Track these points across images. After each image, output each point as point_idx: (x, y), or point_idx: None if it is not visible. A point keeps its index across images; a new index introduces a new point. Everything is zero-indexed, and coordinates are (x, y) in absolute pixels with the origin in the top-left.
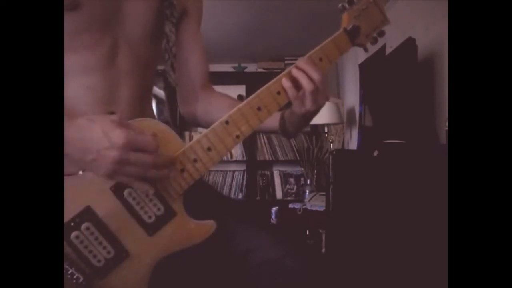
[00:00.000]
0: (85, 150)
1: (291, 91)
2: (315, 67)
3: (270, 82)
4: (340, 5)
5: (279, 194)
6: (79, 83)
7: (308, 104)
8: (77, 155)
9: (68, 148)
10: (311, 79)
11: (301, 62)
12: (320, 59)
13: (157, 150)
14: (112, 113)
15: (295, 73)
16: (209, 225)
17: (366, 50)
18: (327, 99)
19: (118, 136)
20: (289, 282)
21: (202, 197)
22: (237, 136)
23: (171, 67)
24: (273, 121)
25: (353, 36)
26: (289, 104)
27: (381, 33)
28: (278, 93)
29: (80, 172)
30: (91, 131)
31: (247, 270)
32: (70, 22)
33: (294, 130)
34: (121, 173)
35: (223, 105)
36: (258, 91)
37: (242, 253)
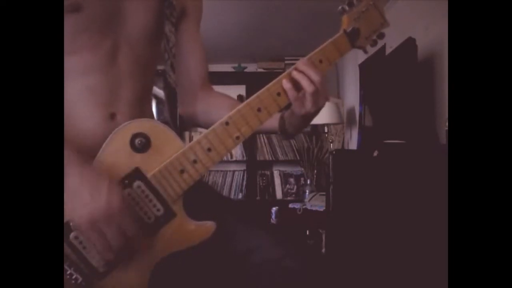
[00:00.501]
0: (69, 198)
1: (291, 93)
2: (315, 69)
3: (270, 84)
4: (340, 7)
5: (279, 194)
6: (80, 84)
7: (308, 105)
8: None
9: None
10: (311, 80)
11: (301, 64)
12: (320, 61)
13: (134, 234)
14: (113, 114)
15: (295, 75)
16: (209, 226)
17: (365, 52)
18: (327, 100)
19: (104, 191)
20: (289, 282)
21: (202, 198)
22: (237, 137)
23: (170, 67)
24: (272, 121)
25: (353, 38)
26: (289, 105)
27: (381, 35)
28: (278, 94)
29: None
30: (79, 177)
31: (247, 270)
32: (71, 23)
33: (294, 131)
34: (88, 233)
35: (222, 105)
36: (258, 92)
37: (242, 253)
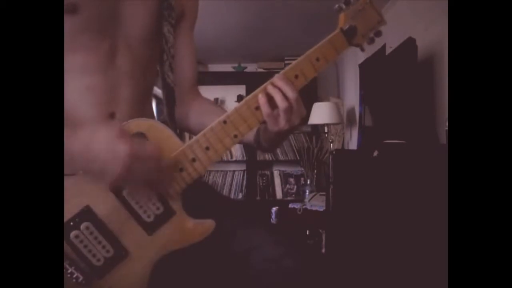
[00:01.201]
0: (90, 162)
1: (265, 108)
2: (291, 85)
3: (266, 83)
4: (336, 5)
5: (279, 194)
6: (79, 84)
7: (282, 123)
8: (83, 167)
9: (73, 161)
10: (286, 97)
11: (277, 79)
12: (317, 59)
13: (159, 156)
14: (112, 113)
15: (270, 90)
16: (208, 224)
17: (362, 50)
18: (301, 118)
19: (121, 149)
20: (289, 281)
21: (202, 197)
22: (235, 136)
23: (169, 68)
24: (249, 134)
25: (350, 36)
26: None
27: (378, 33)
28: (256, 108)
29: (81, 172)
30: (95, 145)
31: (246, 269)
32: (70, 24)
33: (269, 146)
34: (127, 182)
35: (201, 110)
36: (255, 91)
37: (242, 252)
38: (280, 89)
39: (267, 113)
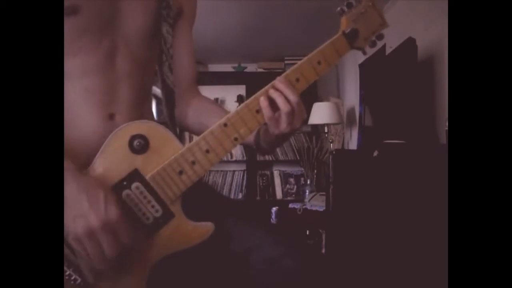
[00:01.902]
0: (67, 206)
1: (266, 111)
2: (292, 88)
3: (268, 86)
4: (338, 8)
5: (279, 194)
6: (79, 86)
7: (283, 126)
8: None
9: None
10: (287, 100)
11: (279, 82)
12: (319, 62)
13: (130, 242)
14: (112, 115)
15: (272, 93)
16: (208, 226)
17: (364, 53)
18: (303, 120)
19: (80, 224)
20: (289, 281)
21: (202, 198)
22: (236, 139)
23: (168, 68)
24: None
25: (352, 39)
26: None
27: (380, 36)
28: (257, 111)
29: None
30: (76, 184)
31: (246, 269)
32: (69, 26)
33: (269, 148)
34: (83, 244)
35: (200, 109)
36: (256, 94)
37: (241, 252)
38: (282, 92)
39: (269, 116)
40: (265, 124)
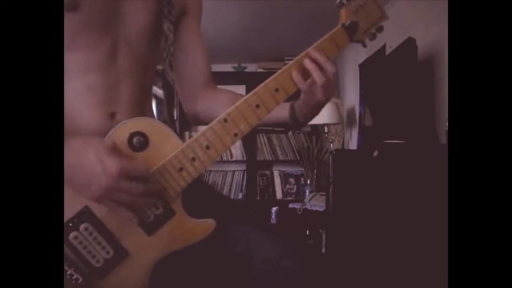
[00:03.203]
0: (77, 173)
1: (302, 85)
2: (328, 60)
3: (268, 80)
4: (338, 1)
5: (279, 194)
6: (80, 83)
7: (319, 96)
8: (68, 177)
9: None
10: (324, 71)
11: (314, 52)
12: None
13: (149, 178)
14: (113, 113)
15: (308, 64)
16: (208, 223)
17: (364, 46)
18: (335, 89)
19: (111, 163)
20: (289, 281)
21: (202, 197)
22: (236, 134)
23: (169, 66)
24: (282, 112)
25: (351, 32)
26: (295, 94)
27: (380, 29)
28: (276, 90)
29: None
30: (84, 156)
31: (246, 269)
32: (70, 22)
33: (304, 120)
34: (110, 199)
35: (223, 100)
36: (256, 89)
37: (241, 252)
38: (318, 64)
39: (305, 89)
40: (297, 99)
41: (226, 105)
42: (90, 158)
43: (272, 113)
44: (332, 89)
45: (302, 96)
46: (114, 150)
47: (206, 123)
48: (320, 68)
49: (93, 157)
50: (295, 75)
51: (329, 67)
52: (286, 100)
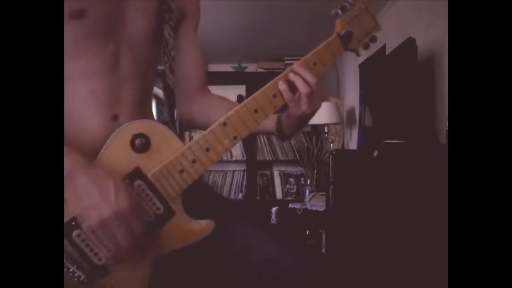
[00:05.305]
0: (79, 197)
1: (286, 94)
2: (310, 71)
3: (266, 85)
4: (333, 11)
5: (279, 194)
6: (84, 87)
7: (304, 106)
8: (71, 200)
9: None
10: (306, 82)
11: (297, 66)
12: (315, 63)
13: (142, 231)
14: (115, 116)
15: (292, 77)
16: (208, 224)
17: (358, 55)
18: (322, 101)
19: (111, 192)
20: (289, 281)
21: (202, 198)
22: (235, 138)
23: (169, 70)
24: (269, 123)
25: (346, 41)
26: (284, 107)
27: (373, 39)
28: (274, 96)
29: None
30: (87, 178)
31: (246, 269)
32: (75, 29)
33: (291, 131)
34: (101, 233)
35: (219, 107)
36: (255, 94)
37: (241, 252)
38: (301, 76)
39: (289, 98)
40: (284, 110)
41: (222, 112)
42: (91, 185)
43: None
44: (317, 100)
45: (289, 107)
46: (120, 189)
47: (199, 127)
48: (303, 79)
49: (94, 184)
50: (281, 84)
51: (310, 78)
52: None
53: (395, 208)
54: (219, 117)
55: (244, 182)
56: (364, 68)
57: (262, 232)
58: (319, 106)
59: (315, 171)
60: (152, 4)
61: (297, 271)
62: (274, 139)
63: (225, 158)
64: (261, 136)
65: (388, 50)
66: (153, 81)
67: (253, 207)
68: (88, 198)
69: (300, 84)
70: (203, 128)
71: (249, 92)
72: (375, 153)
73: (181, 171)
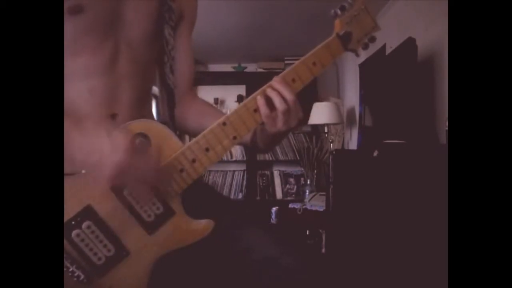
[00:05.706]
0: (89, 153)
1: (263, 110)
2: (289, 88)
3: (265, 86)
4: (332, 11)
5: (279, 194)
6: (82, 86)
7: (279, 124)
8: (82, 158)
9: (72, 150)
10: (284, 99)
11: (275, 82)
12: (314, 64)
13: (159, 155)
14: (114, 114)
15: (269, 92)
16: (207, 223)
17: (357, 55)
18: (299, 120)
19: (122, 141)
20: (289, 281)
21: (201, 197)
22: (234, 137)
23: (170, 70)
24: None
25: (345, 41)
26: None
27: (372, 39)
28: (255, 110)
29: (83, 171)
30: (95, 136)
31: (246, 269)
32: (74, 25)
33: (265, 147)
34: (124, 177)
35: (199, 110)
36: (253, 94)
37: (241, 252)
38: (278, 92)
39: (266, 114)
40: (262, 123)
41: (200, 116)
42: (100, 139)
43: None
44: (294, 118)
45: (264, 123)
46: (124, 131)
47: (179, 130)
48: (281, 95)
49: (103, 138)
50: (259, 99)
51: (288, 95)
52: None
53: (395, 208)
54: (196, 123)
55: (244, 182)
56: (364, 68)
57: (262, 232)
58: (295, 125)
59: (315, 171)
60: (152, 4)
61: (297, 271)
62: None
63: (225, 158)
64: None
65: (388, 50)
66: (153, 80)
67: (253, 207)
68: (101, 146)
69: (277, 101)
70: (181, 131)
71: (249, 92)
72: (375, 153)
73: (181, 170)
